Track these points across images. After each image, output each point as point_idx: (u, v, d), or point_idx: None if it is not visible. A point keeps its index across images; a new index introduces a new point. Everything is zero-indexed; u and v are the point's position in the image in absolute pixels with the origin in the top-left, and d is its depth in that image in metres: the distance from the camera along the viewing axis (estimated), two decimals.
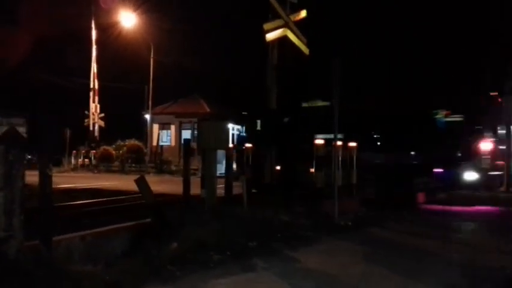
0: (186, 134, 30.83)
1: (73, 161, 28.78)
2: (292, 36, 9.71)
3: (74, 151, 29.36)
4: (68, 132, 28.88)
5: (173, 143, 31.91)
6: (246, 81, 25.95)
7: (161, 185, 16.47)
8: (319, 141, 9.10)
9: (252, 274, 5.16)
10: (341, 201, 9.31)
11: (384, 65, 26.60)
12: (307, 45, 10.06)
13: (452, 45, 24.04)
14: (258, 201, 8.98)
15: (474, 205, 11.01)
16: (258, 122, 13.21)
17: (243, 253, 5.94)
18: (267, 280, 4.95)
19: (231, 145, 11.33)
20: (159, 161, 27.62)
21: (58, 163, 28.94)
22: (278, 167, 10.17)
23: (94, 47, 29.35)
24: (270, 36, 9.48)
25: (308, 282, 4.91)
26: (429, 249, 6.77)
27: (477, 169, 10.08)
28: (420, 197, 9.55)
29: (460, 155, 11.05)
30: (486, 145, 10.86)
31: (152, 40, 30.53)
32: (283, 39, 9.68)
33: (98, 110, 30.22)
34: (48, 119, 5.46)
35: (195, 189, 10.60)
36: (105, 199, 11.75)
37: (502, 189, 17.90)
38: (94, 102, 29.99)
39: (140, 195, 8.29)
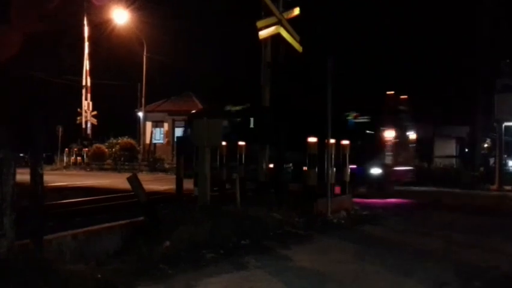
0: (179, 132, 30.79)
1: (65, 158, 28.65)
2: (285, 34, 9.69)
3: (67, 149, 29.23)
4: (60, 129, 28.74)
5: (166, 141, 31.85)
6: (239, 78, 25.96)
7: (154, 183, 16.48)
8: (311, 139, 9.10)
9: (244, 272, 5.15)
10: (334, 199, 9.35)
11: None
12: (301, 42, 10.06)
13: (439, 47, 24.13)
14: (251, 199, 8.99)
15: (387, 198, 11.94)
16: (251, 119, 13.25)
17: (235, 251, 5.94)
18: (260, 278, 4.95)
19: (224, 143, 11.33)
20: (152, 159, 27.57)
21: (50, 161, 28.82)
22: (271, 165, 10.17)
23: (87, 44, 29.20)
24: (263, 33, 9.46)
25: (301, 280, 4.91)
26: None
27: (381, 165, 10.67)
28: (337, 190, 9.99)
29: (368, 152, 11.72)
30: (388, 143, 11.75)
31: (145, 37, 30.44)
32: (276, 37, 9.67)
33: (90, 108, 30.09)
34: (39, 117, 5.41)
35: (189, 185, 10.62)
36: (97, 197, 11.70)
37: (494, 187, 18.13)
38: (86, 99, 29.87)
39: (133, 193, 8.30)
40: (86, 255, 5.55)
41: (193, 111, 20.65)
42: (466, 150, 26.49)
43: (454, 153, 26.19)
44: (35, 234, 4.98)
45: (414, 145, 14.04)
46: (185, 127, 18.43)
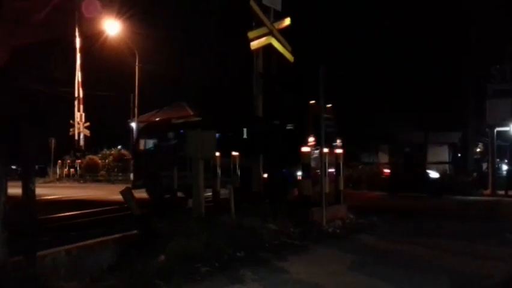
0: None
1: (58, 170, 28.49)
2: (276, 44, 9.71)
3: (59, 161, 29.08)
4: (52, 141, 28.61)
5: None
6: (232, 89, 25.98)
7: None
8: (305, 149, 9.11)
9: (240, 286, 5.11)
10: (328, 209, 9.33)
11: None
12: (292, 52, 10.09)
13: (430, 54, 24.29)
14: (245, 210, 8.95)
15: None
16: (245, 130, 13.25)
17: (230, 264, 5.89)
18: None
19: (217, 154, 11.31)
20: None
21: (43, 173, 28.66)
22: (265, 175, 10.15)
23: (78, 55, 29.15)
24: (255, 44, 9.48)
25: None
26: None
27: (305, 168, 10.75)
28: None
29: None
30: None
31: (137, 48, 30.44)
32: (268, 47, 9.69)
33: (83, 119, 29.99)
34: (30, 132, 5.36)
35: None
36: (91, 210, 11.61)
37: (487, 192, 18.22)
38: (78, 111, 29.77)
39: (126, 205, 8.24)
40: (80, 270, 5.49)
41: (142, 125, 21.36)
42: (459, 155, 26.65)
43: (447, 159, 26.31)
44: (28, 250, 4.93)
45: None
46: (138, 137, 19.36)
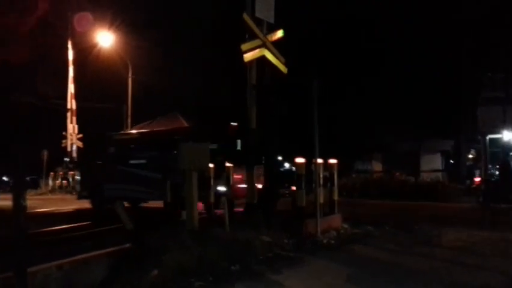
0: None
1: (50, 182, 28.27)
2: (270, 56, 9.73)
3: (52, 172, 28.89)
4: (45, 153, 28.44)
5: None
6: (226, 100, 26.01)
7: (142, 205, 16.26)
8: (299, 160, 9.10)
9: None
10: (323, 219, 9.30)
11: None
12: (286, 64, 10.11)
13: (422, 62, 24.49)
14: (240, 222, 8.90)
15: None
16: (238, 141, 13.24)
17: (225, 278, 5.83)
18: None
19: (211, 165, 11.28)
20: None
21: (35, 185, 28.42)
22: (259, 186, 10.12)
23: (71, 68, 29.12)
24: (248, 56, 9.50)
25: None
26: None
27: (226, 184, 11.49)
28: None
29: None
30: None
31: (130, 59, 30.45)
32: (261, 59, 9.71)
33: (76, 131, 29.85)
34: (21, 144, 5.30)
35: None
36: (83, 223, 11.52)
37: (481, 199, 18.21)
38: (71, 123, 29.65)
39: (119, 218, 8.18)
40: (72, 286, 5.42)
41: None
42: (452, 162, 26.77)
43: (440, 167, 26.39)
44: (18, 267, 4.84)
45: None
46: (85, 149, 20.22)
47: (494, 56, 21.06)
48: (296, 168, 9.16)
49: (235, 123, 14.67)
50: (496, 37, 20.96)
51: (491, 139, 20.21)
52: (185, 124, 31.51)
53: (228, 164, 11.33)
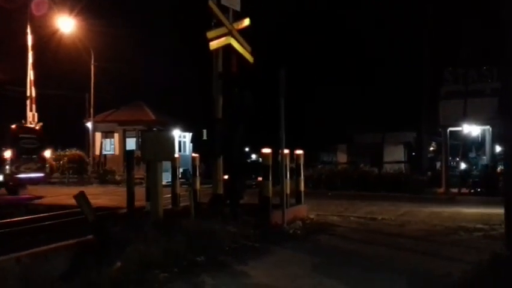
0: (131, 142, 30.04)
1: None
2: (236, 45, 9.62)
3: None
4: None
5: (117, 152, 30.95)
6: (192, 89, 25.74)
7: (104, 196, 15.95)
8: (266, 150, 9.06)
9: None
10: (289, 209, 9.33)
11: None
12: (252, 53, 10.02)
13: (384, 54, 24.89)
14: (205, 213, 8.81)
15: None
16: (204, 131, 13.10)
17: (190, 270, 5.75)
18: None
19: (177, 155, 11.12)
20: (102, 171, 26.75)
21: None
22: (226, 177, 10.04)
23: (30, 53, 28.04)
24: (214, 44, 9.35)
25: None
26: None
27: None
28: None
29: None
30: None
31: (92, 46, 29.62)
32: (227, 48, 9.58)
33: (36, 119, 28.85)
34: None
35: (142, 198, 10.32)
36: (43, 215, 11.16)
37: (441, 191, 18.79)
38: (31, 111, 28.60)
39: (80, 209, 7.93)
40: (32, 280, 5.21)
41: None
42: (413, 154, 27.41)
43: (403, 158, 26.98)
44: None
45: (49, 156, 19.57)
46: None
47: (454, 50, 21.59)
48: (262, 159, 9.12)
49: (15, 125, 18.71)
50: (456, 31, 21.47)
51: (451, 132, 20.78)
52: (150, 114, 31.09)
53: (194, 154, 11.20)
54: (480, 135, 22.85)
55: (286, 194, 9.40)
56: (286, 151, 9.55)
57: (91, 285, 4.90)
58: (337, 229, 9.20)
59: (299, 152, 10.69)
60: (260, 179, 9.31)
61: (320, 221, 9.88)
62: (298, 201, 10.61)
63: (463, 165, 21.06)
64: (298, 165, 10.69)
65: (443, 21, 21.53)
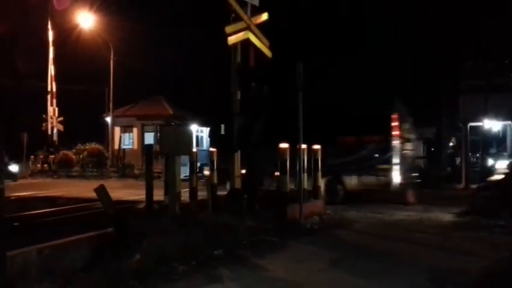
0: (149, 137, 30.31)
1: (30, 166, 27.83)
2: (254, 39, 9.61)
3: (32, 156, 28.42)
4: (25, 136, 27.91)
5: (135, 146, 31.29)
6: (210, 84, 25.80)
7: (123, 190, 16.14)
8: (283, 145, 9.06)
9: (217, 285, 5.04)
10: (306, 204, 9.33)
11: None
12: (270, 47, 10.01)
13: (404, 49, 24.58)
14: (223, 207, 8.88)
15: None
16: (222, 125, 13.14)
17: (208, 263, 5.80)
18: None
19: (195, 149, 11.20)
20: (121, 165, 27.05)
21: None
22: (243, 171, 10.07)
23: (51, 49, 28.46)
24: (232, 39, 9.35)
25: None
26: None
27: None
28: None
29: None
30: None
31: (112, 41, 29.90)
32: (245, 42, 9.58)
33: (56, 114, 29.33)
34: None
35: (160, 192, 10.43)
36: (64, 207, 11.36)
37: (461, 187, 18.55)
38: (52, 105, 29.09)
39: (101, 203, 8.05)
40: (53, 271, 5.32)
41: None
42: (433, 149, 27.07)
43: (422, 154, 26.69)
44: None
45: None
46: None
47: (475, 44, 21.22)
48: (280, 154, 9.12)
49: None
50: (476, 25, 21.09)
51: (471, 127, 20.46)
52: (169, 108, 31.30)
53: (211, 149, 11.26)
54: (501, 131, 22.44)
55: (304, 189, 9.40)
56: (303, 146, 9.53)
57: (110, 276, 4.98)
58: (355, 224, 9.18)
59: (316, 147, 10.66)
60: (277, 173, 9.33)
61: (337, 216, 9.85)
62: (316, 196, 10.60)
63: (490, 161, 20.43)
64: (315, 160, 10.67)
65: (463, 14, 21.17)
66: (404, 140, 12.49)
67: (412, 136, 13.47)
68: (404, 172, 12.17)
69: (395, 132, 12.00)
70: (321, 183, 11.08)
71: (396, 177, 11.88)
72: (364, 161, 12.28)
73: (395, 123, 12.04)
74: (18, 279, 4.76)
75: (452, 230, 8.55)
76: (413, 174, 13.19)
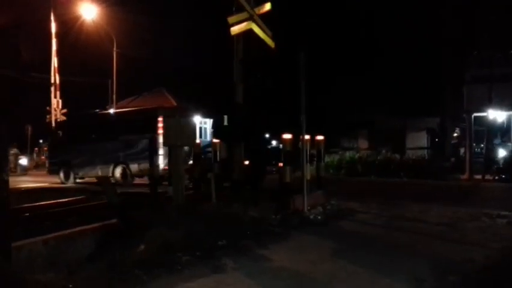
0: None
1: (35, 158, 27.95)
2: (257, 30, 9.59)
3: (36, 148, 28.54)
4: (29, 128, 28.04)
5: None
6: (213, 75, 25.76)
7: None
8: (286, 136, 9.06)
9: (221, 275, 5.06)
10: (309, 195, 9.33)
11: None
12: (273, 38, 9.98)
13: (407, 39, 24.42)
14: (227, 198, 8.90)
15: None
16: (225, 117, 13.14)
17: (212, 253, 5.83)
18: (237, 281, 4.87)
19: (198, 140, 11.22)
20: None
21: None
22: (246, 162, 10.09)
23: (54, 40, 28.43)
24: (235, 29, 9.34)
25: (279, 282, 4.86)
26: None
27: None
28: None
29: None
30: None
31: (115, 33, 29.87)
32: (248, 33, 9.56)
33: (60, 106, 29.37)
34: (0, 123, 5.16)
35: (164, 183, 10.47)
36: (68, 199, 11.40)
37: (465, 177, 18.52)
38: (55, 97, 29.11)
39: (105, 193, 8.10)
40: (58, 261, 5.37)
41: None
42: (437, 140, 27.02)
43: (425, 145, 26.65)
44: (2, 244, 4.78)
45: None
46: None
47: (479, 34, 21.06)
48: (283, 144, 9.12)
49: None
50: (482, 15, 20.92)
51: (475, 117, 20.38)
52: (172, 100, 31.30)
53: (214, 140, 11.27)
54: (505, 121, 22.35)
55: (307, 180, 9.40)
56: (307, 137, 9.53)
57: (115, 267, 5.01)
58: (358, 215, 9.18)
59: (320, 137, 10.65)
60: (280, 164, 9.33)
61: (341, 206, 9.86)
62: (319, 187, 10.61)
63: (502, 152, 20.18)
64: (319, 151, 10.67)
65: (467, 4, 20.99)
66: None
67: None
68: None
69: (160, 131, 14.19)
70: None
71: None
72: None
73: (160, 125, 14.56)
74: (23, 269, 4.79)
75: (457, 220, 8.56)
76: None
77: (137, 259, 5.31)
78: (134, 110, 19.78)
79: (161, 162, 14.20)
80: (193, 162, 11.46)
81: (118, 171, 16.10)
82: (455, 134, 29.22)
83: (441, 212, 9.49)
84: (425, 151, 24.36)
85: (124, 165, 15.87)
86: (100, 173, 16.19)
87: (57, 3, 27.32)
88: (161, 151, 13.81)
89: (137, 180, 16.00)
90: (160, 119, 14.78)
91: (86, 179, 17.00)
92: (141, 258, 5.37)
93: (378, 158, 19.85)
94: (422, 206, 10.29)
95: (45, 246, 5.62)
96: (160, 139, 13.30)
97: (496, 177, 17.92)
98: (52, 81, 28.77)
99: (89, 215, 8.23)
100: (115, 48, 29.97)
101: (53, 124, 28.60)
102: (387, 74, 25.80)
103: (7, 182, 4.82)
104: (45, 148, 28.34)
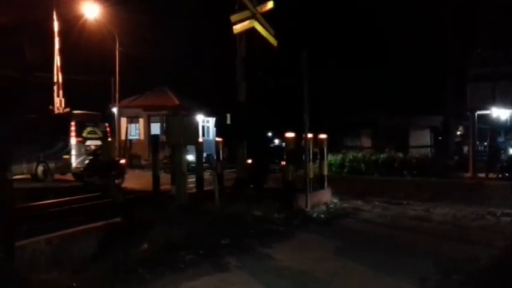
0: (155, 127, 30.37)
1: None
2: (259, 28, 9.57)
3: None
4: None
5: (142, 137, 31.37)
6: (216, 73, 25.75)
7: (131, 180, 16.17)
8: (289, 134, 9.05)
9: (224, 274, 5.06)
10: (312, 194, 9.33)
11: None
12: (275, 36, 9.96)
13: (410, 37, 24.35)
14: (229, 196, 8.89)
15: None
16: (228, 115, 13.14)
17: (215, 252, 5.83)
18: (240, 280, 4.87)
19: (201, 139, 11.21)
20: (128, 156, 27.14)
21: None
22: (249, 161, 10.09)
23: (57, 39, 28.44)
24: (238, 28, 9.33)
25: (282, 281, 4.85)
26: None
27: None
28: None
29: None
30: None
31: (117, 32, 29.86)
32: (251, 31, 9.54)
33: (63, 105, 29.39)
34: (3, 123, 5.18)
35: (167, 182, 10.47)
36: (73, 198, 11.41)
37: (468, 175, 18.47)
38: (58, 96, 29.13)
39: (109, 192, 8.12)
40: (62, 261, 5.37)
41: None
42: (440, 138, 26.95)
43: (429, 143, 26.57)
44: (6, 243, 4.79)
45: None
46: None
47: (481, 32, 20.97)
48: (286, 143, 9.11)
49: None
50: (483, 13, 20.83)
51: (479, 115, 20.30)
52: (174, 99, 31.30)
53: (217, 139, 11.27)
54: (509, 119, 22.26)
55: (310, 179, 9.40)
56: (309, 135, 9.52)
57: (119, 265, 5.02)
58: (361, 213, 9.17)
59: (323, 136, 10.63)
60: (283, 163, 9.32)
61: (344, 205, 9.85)
62: (322, 186, 10.58)
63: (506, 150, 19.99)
64: (321, 150, 10.64)
65: (464, 4, 20.91)
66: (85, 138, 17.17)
67: (94, 135, 17.61)
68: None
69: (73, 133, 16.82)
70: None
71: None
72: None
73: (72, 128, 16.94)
74: (27, 268, 4.80)
75: (461, 219, 8.53)
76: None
77: (140, 258, 5.32)
78: (54, 114, 22.88)
79: (74, 162, 16.63)
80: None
81: (40, 169, 17.54)
82: (458, 132, 29.12)
83: (445, 210, 9.46)
84: (429, 149, 24.29)
85: (44, 164, 17.54)
86: (25, 171, 17.65)
87: (60, 2, 27.30)
88: (73, 152, 16.57)
89: (57, 177, 17.43)
90: (73, 123, 17.15)
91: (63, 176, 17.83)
92: (144, 257, 5.38)
93: (382, 156, 19.77)
94: (426, 204, 10.26)
95: (48, 245, 5.63)
96: (73, 141, 16.82)
97: (500, 175, 17.86)
98: (55, 80, 28.79)
99: (94, 214, 8.23)
100: (117, 47, 29.96)
101: None
102: (390, 72, 25.75)
103: (11, 181, 4.83)
104: None
